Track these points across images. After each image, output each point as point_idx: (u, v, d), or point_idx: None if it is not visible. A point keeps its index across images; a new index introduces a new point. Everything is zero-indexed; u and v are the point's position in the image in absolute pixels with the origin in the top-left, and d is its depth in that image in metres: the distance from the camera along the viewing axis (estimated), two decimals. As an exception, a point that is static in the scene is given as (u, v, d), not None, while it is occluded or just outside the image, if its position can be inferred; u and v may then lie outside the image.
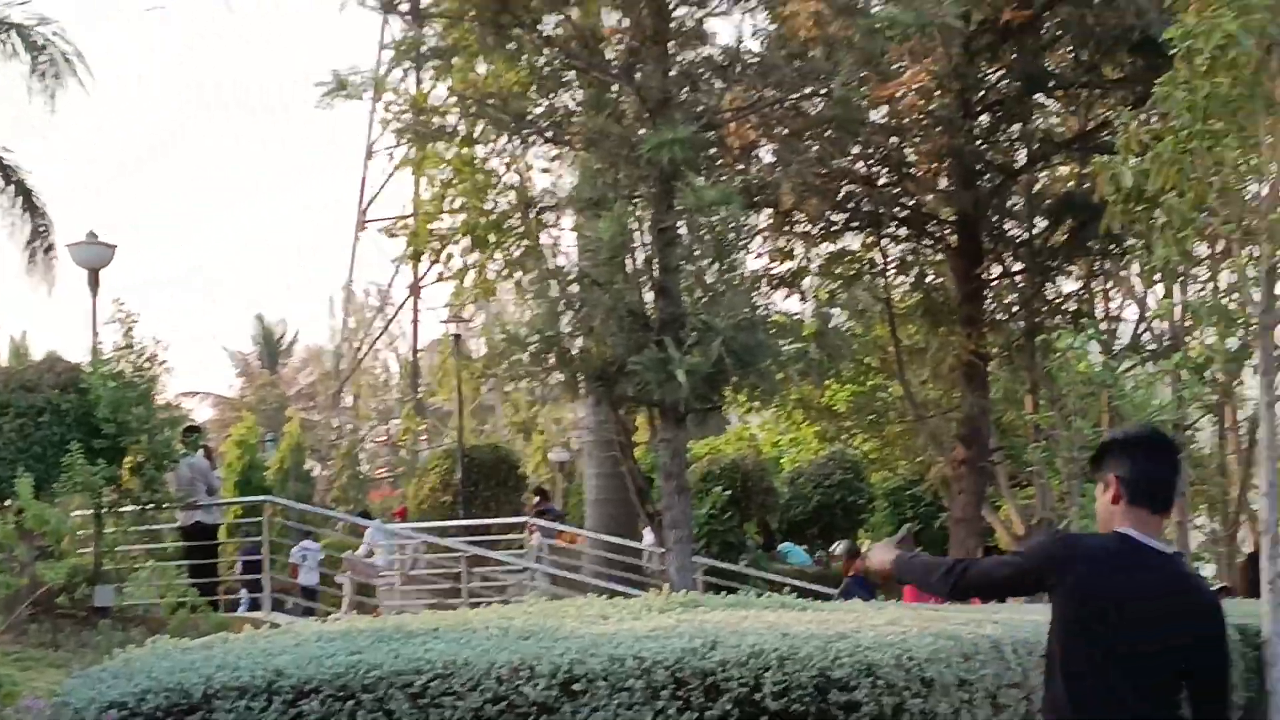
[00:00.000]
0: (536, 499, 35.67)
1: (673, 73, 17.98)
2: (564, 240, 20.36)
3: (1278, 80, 12.78)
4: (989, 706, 8.53)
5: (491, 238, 19.59)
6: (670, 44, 17.99)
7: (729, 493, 32.17)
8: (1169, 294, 17.37)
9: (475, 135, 19.21)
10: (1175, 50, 12.87)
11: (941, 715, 7.95)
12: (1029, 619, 10.12)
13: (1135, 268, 25.03)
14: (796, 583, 25.96)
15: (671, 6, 17.99)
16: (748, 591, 10.79)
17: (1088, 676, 5.39)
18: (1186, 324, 24.91)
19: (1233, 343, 17.58)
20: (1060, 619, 5.50)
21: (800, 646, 7.59)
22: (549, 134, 18.80)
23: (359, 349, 66.75)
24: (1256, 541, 22.41)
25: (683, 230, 17.76)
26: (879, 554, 6.18)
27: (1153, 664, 5.40)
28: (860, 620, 8.56)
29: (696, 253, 17.86)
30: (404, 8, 19.58)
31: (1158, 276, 15.59)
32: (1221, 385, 27.64)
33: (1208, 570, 33.09)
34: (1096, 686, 5.37)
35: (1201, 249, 17.15)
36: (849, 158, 22.39)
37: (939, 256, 24.64)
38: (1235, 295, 13.85)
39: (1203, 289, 23.00)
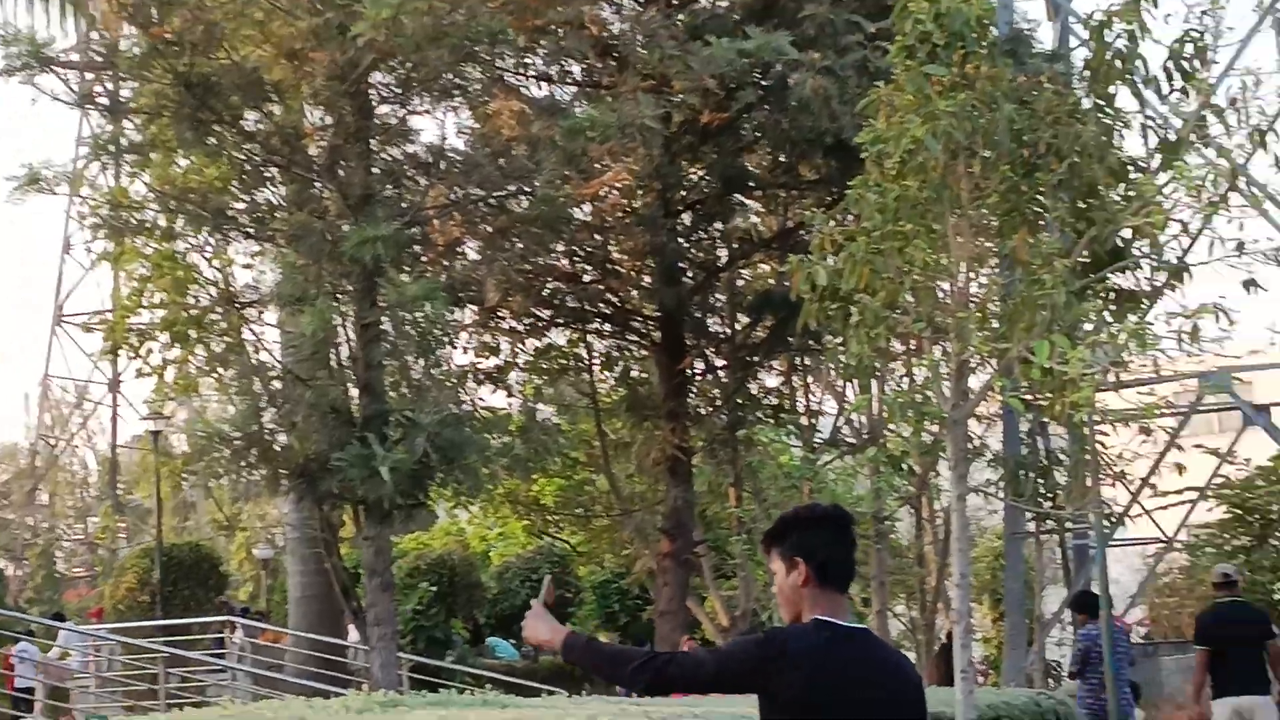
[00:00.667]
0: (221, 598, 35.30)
1: (375, 170, 17.98)
2: (267, 336, 20.16)
3: (964, 183, 13.21)
4: (689, 800, 8.59)
5: (193, 333, 19.28)
6: (373, 141, 17.99)
7: (435, 588, 32.01)
8: (864, 389, 17.76)
9: (175, 231, 18.94)
10: (866, 154, 13.25)
11: (641, 811, 7.99)
12: (729, 710, 10.25)
13: (833, 364, 25.59)
14: (504, 678, 25.89)
15: (374, 104, 17.99)
16: (451, 689, 10.74)
17: None
18: (884, 418, 25.49)
19: (927, 436, 18.08)
20: None
21: (500, 746, 7.59)
22: (251, 230, 18.63)
23: (55, 446, 65.05)
24: (949, 630, 22.97)
25: (387, 326, 17.69)
26: (536, 626, 5.75)
27: None
28: (560, 717, 8.58)
29: (401, 349, 17.80)
30: (102, 102, 19.28)
31: (853, 373, 15.92)
32: (917, 477, 28.35)
33: (911, 658, 33.79)
34: None
35: (896, 346, 17.59)
36: (553, 255, 22.53)
37: (643, 352, 24.90)
38: (928, 390, 14.20)
39: (898, 384, 23.59)
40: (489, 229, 19.72)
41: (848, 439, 27.11)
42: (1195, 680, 16.28)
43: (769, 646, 5.37)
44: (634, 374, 25.65)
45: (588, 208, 22.17)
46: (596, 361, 25.65)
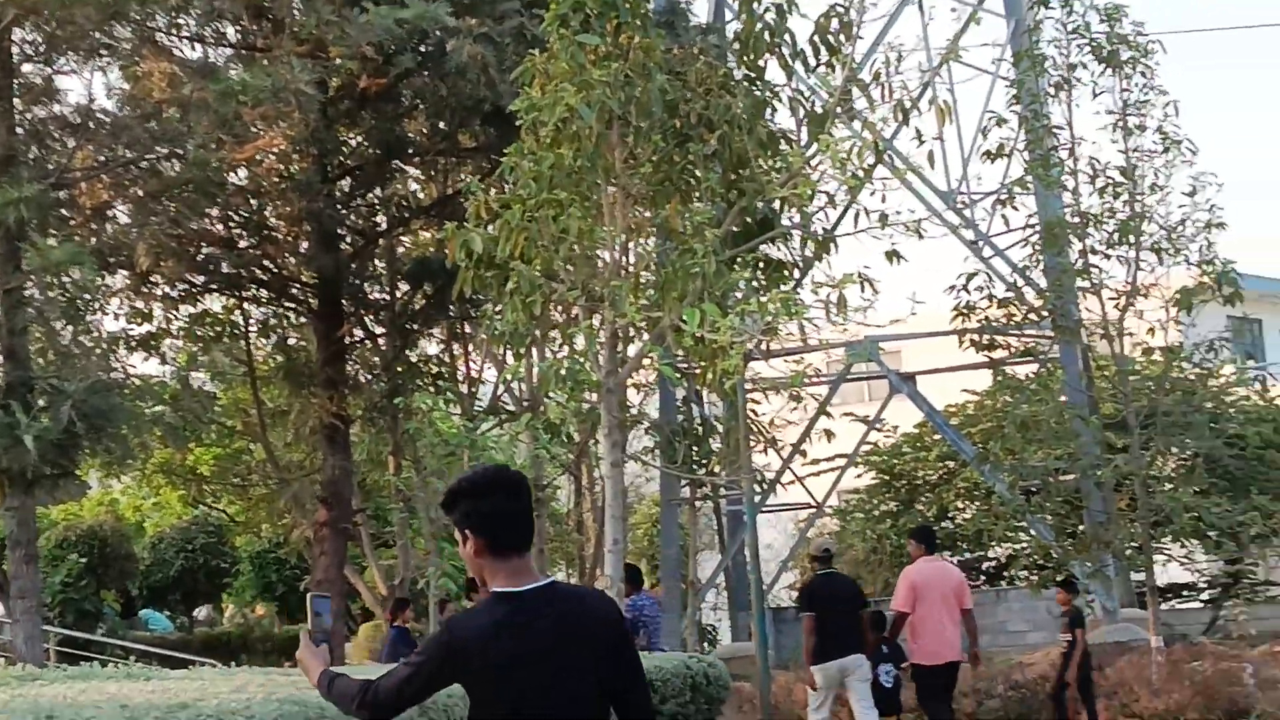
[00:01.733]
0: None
1: (19, 130, 17.41)
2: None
3: (617, 153, 13.36)
4: (336, 770, 8.54)
5: None
6: (16, 100, 17.42)
7: (85, 560, 31.28)
8: (519, 357, 17.85)
9: None
10: (522, 122, 13.31)
11: (285, 781, 7.94)
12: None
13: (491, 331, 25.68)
14: (157, 650, 25.48)
15: (17, 62, 17.43)
16: (98, 662, 10.53)
17: None
18: (542, 386, 25.66)
19: (585, 404, 18.23)
20: (482, 714, 5.29)
21: (140, 718, 7.44)
22: (-114, 190, 17.93)
23: None
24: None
25: (33, 291, 17.19)
26: (304, 662, 5.68)
27: (582, 697, 5.32)
28: (205, 689, 8.47)
29: (47, 314, 17.31)
30: None
31: (508, 340, 16.02)
32: (576, 445, 28.61)
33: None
34: None
35: (554, 314, 17.69)
36: (207, 219, 22.12)
37: (301, 319, 24.64)
38: (584, 358, 14.35)
39: (555, 352, 23.76)
40: (140, 192, 19.28)
41: (508, 406, 27.22)
42: (809, 644, 17.07)
43: (441, 639, 5.33)
44: (291, 341, 25.38)
45: (243, 172, 21.83)
46: (253, 328, 25.31)
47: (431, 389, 24.94)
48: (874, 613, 17.75)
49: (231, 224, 23.14)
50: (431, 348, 27.00)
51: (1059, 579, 21.88)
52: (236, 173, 21.38)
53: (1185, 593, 36.86)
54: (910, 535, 18.46)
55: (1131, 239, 21.86)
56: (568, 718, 5.28)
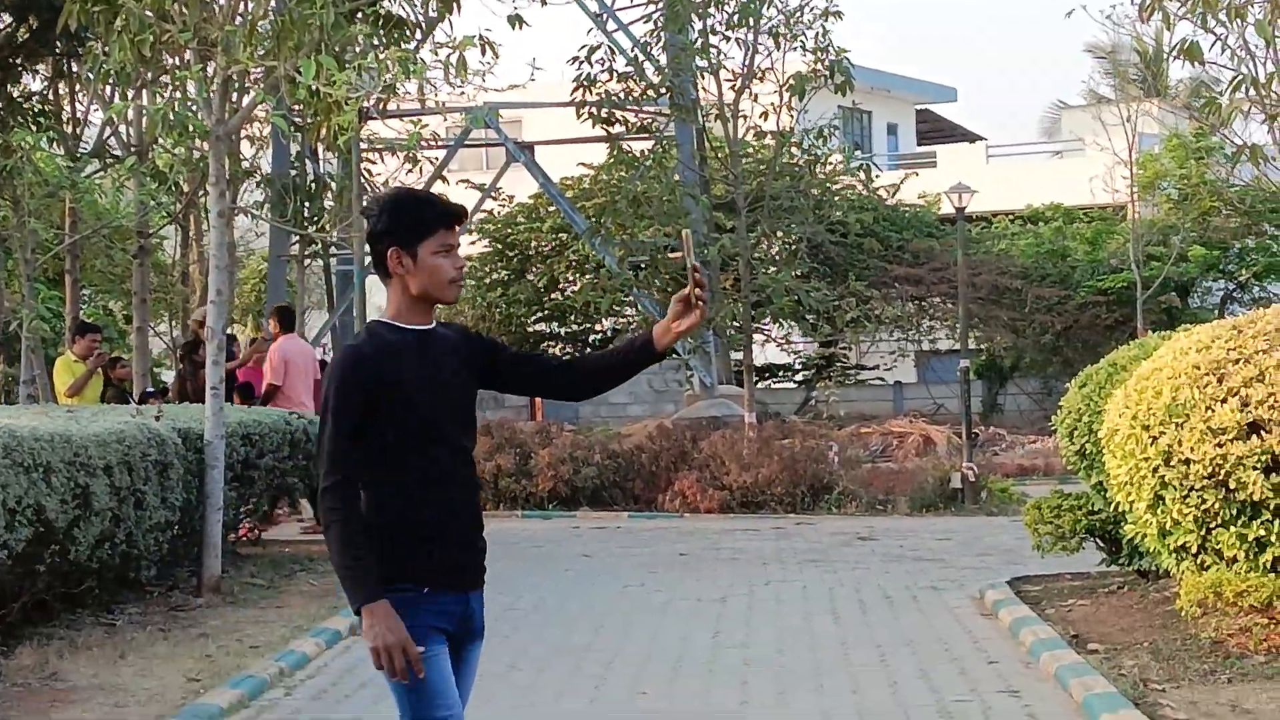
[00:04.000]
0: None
1: None
2: None
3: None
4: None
5: None
6: None
7: None
8: (125, 98, 17.25)
9: None
10: None
11: None
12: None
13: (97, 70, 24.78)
14: None
15: None
16: None
17: None
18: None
19: (196, 153, 17.79)
20: None
21: None
22: None
23: None
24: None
25: None
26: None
27: None
28: None
29: None
30: None
31: (115, 81, 15.46)
32: (185, 195, 27.98)
33: (169, 377, 33.49)
34: None
35: (167, 58, 17.14)
36: None
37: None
38: (194, 105, 13.98)
39: (169, 97, 23.07)
40: None
41: (114, 150, 26.40)
42: None
43: None
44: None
45: None
46: None
47: (33, 127, 23.98)
48: (243, 384, 19.10)
49: None
50: (35, 84, 25.92)
51: None
52: None
53: (781, 373, 38.17)
54: (274, 314, 19.55)
55: (751, 22, 22.17)
56: None
